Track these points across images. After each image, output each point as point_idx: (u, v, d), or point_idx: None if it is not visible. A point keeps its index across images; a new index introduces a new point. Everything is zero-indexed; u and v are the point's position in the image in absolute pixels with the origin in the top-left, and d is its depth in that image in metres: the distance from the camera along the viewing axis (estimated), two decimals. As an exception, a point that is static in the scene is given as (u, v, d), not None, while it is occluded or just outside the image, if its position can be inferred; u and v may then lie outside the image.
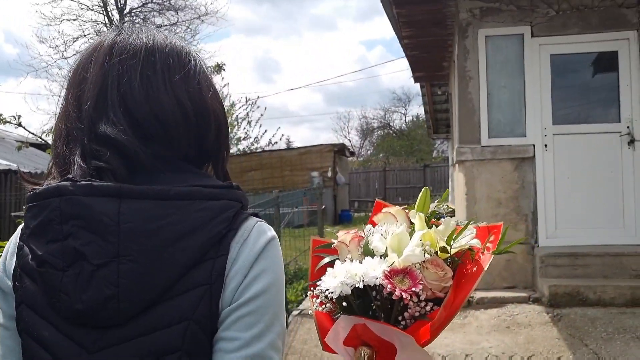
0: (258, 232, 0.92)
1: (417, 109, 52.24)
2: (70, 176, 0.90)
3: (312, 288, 1.26)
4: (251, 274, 0.89)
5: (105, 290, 0.84)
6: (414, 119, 37.88)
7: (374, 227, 1.29)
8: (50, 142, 8.16)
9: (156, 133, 0.94)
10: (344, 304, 1.16)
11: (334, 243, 1.30)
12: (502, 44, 5.96)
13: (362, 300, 1.15)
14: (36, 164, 15.72)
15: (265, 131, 23.69)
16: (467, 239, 1.21)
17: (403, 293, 1.09)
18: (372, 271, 1.12)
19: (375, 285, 1.12)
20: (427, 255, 1.15)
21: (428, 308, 1.13)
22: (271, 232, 0.94)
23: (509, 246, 1.28)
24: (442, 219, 1.29)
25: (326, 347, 1.24)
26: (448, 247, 1.18)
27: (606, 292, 5.08)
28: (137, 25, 1.01)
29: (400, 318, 1.15)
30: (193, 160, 0.99)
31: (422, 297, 1.12)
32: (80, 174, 0.89)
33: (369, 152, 38.95)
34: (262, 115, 27.83)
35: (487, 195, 5.91)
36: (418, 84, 11.72)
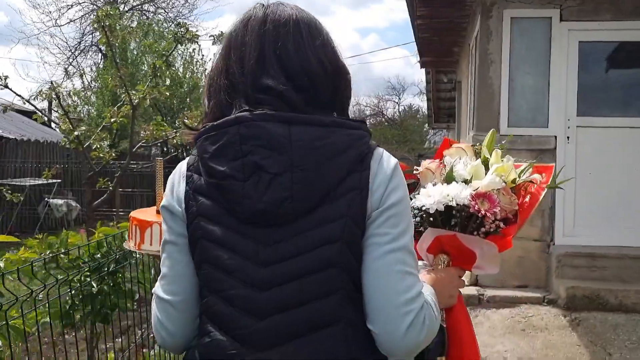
0: (387, 156, 1.15)
1: (410, 99, 51.90)
2: (242, 109, 1.12)
3: None
4: (390, 186, 1.11)
5: (282, 192, 1.06)
6: (407, 109, 37.45)
7: (440, 160, 1.54)
8: (37, 107, 8.10)
9: (305, 85, 1.15)
10: (431, 219, 1.41)
11: (417, 170, 1.55)
12: (528, 27, 5.57)
13: (445, 216, 1.41)
14: (22, 130, 15.15)
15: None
16: (528, 173, 1.52)
17: (487, 212, 1.37)
18: (460, 194, 1.37)
19: (458, 204, 1.37)
20: (503, 184, 1.43)
21: (502, 225, 1.41)
22: (394, 158, 1.17)
23: (560, 182, 1.62)
24: (507, 157, 1.53)
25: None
26: (517, 179, 1.49)
27: (628, 297, 4.76)
28: (275, 2, 1.23)
29: (475, 233, 1.42)
30: (328, 106, 1.19)
31: (498, 217, 1.39)
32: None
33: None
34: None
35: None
36: (417, 74, 11.34)
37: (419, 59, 10.14)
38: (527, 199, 1.51)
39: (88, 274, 2.78)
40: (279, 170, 1.07)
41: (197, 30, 6.56)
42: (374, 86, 74.89)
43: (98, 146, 5.39)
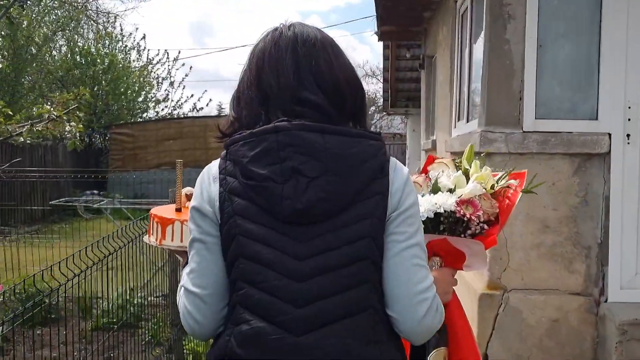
0: (400, 165, 1.32)
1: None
2: (281, 119, 1.25)
3: None
4: (405, 191, 1.28)
5: (319, 194, 1.20)
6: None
7: (426, 174, 1.76)
8: None
9: (336, 99, 1.30)
10: (422, 226, 1.47)
11: None
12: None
13: (435, 223, 1.63)
14: None
15: (192, 95, 20.56)
16: (505, 180, 1.73)
17: (472, 216, 1.58)
18: (446, 201, 1.60)
19: (446, 211, 1.59)
20: (482, 190, 1.65)
21: (486, 227, 1.62)
22: (405, 167, 1.34)
23: (534, 185, 1.79)
24: (484, 167, 1.73)
25: None
26: (495, 185, 1.70)
27: None
28: (297, 23, 1.38)
29: (462, 235, 1.62)
30: (352, 118, 1.35)
31: (482, 219, 1.60)
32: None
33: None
34: (186, 75, 24.70)
35: (525, 212, 3.60)
36: (360, 55, 9.30)
37: (376, 29, 8.11)
38: (506, 202, 1.67)
39: None
40: (315, 174, 1.21)
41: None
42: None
43: None
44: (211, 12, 77.46)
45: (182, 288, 1.31)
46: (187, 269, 1.30)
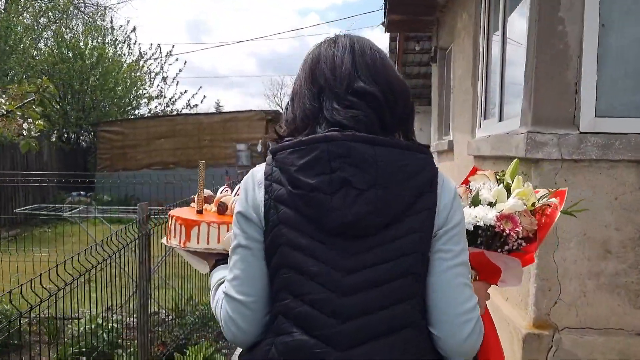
0: (448, 179, 1.30)
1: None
2: (331, 129, 1.24)
3: None
4: (453, 208, 1.26)
5: (368, 207, 1.18)
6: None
7: (467, 185, 1.73)
8: None
9: (388, 96, 1.29)
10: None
11: None
12: None
13: (472, 236, 1.55)
14: None
15: (185, 91, 19.74)
16: (546, 198, 1.67)
17: (511, 231, 1.54)
18: (486, 215, 1.55)
19: (485, 225, 1.55)
20: (523, 206, 1.60)
21: (524, 243, 1.57)
22: (452, 181, 1.31)
23: (573, 209, 1.73)
24: (526, 183, 1.68)
25: None
26: (536, 202, 1.65)
27: None
28: (354, 35, 1.39)
29: (499, 250, 1.57)
30: (402, 122, 1.33)
31: (520, 235, 1.56)
32: (336, 120, 1.25)
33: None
34: (180, 70, 24.04)
35: (582, 232, 2.89)
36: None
37: (384, 19, 7.40)
38: (543, 220, 1.63)
39: None
40: (365, 186, 1.19)
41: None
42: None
43: None
44: (208, 9, 76.63)
45: (224, 295, 1.30)
46: (229, 276, 1.29)
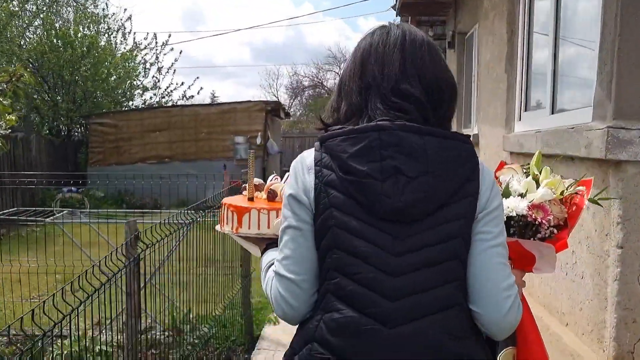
0: (487, 168, 1.35)
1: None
2: (385, 118, 1.29)
3: None
4: (492, 193, 1.32)
5: (417, 194, 1.24)
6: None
7: (496, 179, 1.64)
8: None
9: (435, 97, 1.33)
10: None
11: None
12: None
13: (505, 226, 1.45)
14: None
15: (182, 83, 19.09)
16: (574, 187, 1.69)
17: (542, 220, 1.58)
18: (518, 205, 1.59)
19: (517, 214, 1.59)
20: (552, 195, 1.64)
21: (555, 231, 1.62)
22: (490, 169, 1.38)
23: (598, 198, 1.79)
24: (552, 174, 1.73)
25: None
26: (565, 191, 1.68)
27: None
28: (404, 23, 1.42)
29: (531, 239, 1.61)
30: (446, 116, 1.38)
31: (552, 223, 1.60)
32: (380, 115, 1.30)
33: (298, 112, 35.03)
34: (176, 60, 23.35)
35: (670, 250, 2.34)
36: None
37: (395, 1, 6.82)
38: (573, 208, 1.66)
39: None
40: (414, 174, 1.25)
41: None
42: (313, 56, 71.25)
43: None
44: (203, 3, 75.69)
45: (275, 274, 1.35)
46: (279, 256, 1.34)
